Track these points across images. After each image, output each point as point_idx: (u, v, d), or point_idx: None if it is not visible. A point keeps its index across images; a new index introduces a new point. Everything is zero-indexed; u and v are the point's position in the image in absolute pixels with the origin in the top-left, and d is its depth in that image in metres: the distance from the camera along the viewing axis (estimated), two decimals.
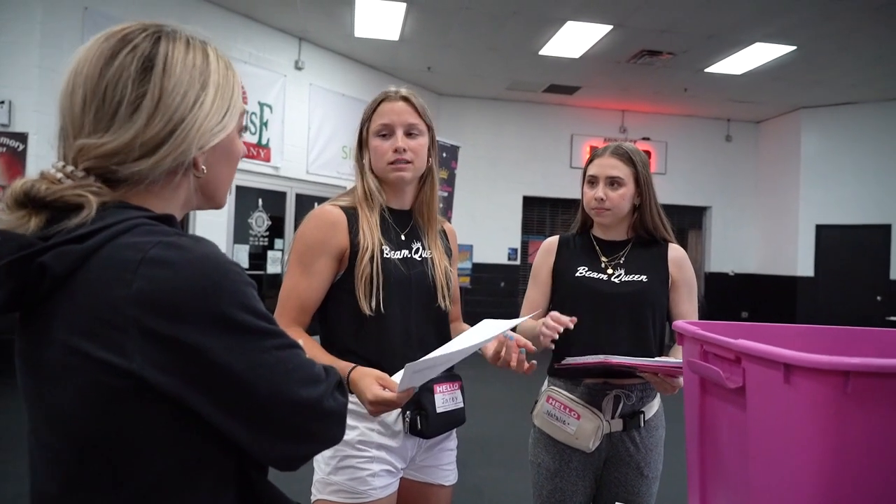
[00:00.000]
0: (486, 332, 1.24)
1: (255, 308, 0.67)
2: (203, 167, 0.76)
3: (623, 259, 1.71)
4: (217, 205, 0.84)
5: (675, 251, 1.73)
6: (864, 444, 0.75)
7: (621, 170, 1.67)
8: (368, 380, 1.21)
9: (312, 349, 1.33)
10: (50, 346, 0.66)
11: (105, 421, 0.65)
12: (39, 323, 0.66)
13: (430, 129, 1.48)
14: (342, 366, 1.27)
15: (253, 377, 0.66)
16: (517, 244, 9.61)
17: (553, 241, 1.81)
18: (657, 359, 1.50)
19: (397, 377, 1.19)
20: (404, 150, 1.41)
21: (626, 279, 1.67)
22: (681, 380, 1.51)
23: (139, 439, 0.65)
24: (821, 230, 8.89)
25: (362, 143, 1.48)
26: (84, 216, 0.66)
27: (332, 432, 0.76)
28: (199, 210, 0.83)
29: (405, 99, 1.44)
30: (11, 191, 0.67)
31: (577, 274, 1.70)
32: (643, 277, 1.67)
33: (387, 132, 1.43)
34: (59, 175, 0.69)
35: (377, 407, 1.19)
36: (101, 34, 0.74)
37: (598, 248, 1.74)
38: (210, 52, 0.77)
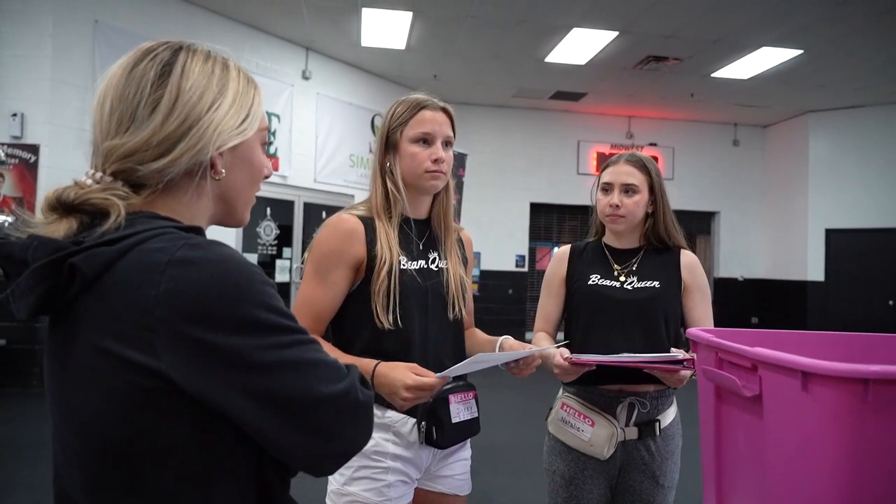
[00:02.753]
0: (521, 355, 1.37)
1: (277, 306, 0.69)
2: (222, 170, 0.77)
3: (636, 266, 1.71)
4: (238, 218, 0.84)
5: (686, 257, 1.73)
6: (884, 452, 0.74)
7: (636, 177, 1.68)
8: (402, 369, 1.22)
9: (332, 351, 1.33)
10: (77, 349, 0.67)
11: (129, 424, 0.65)
12: (67, 326, 0.68)
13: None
14: (365, 362, 1.27)
15: (279, 369, 0.67)
16: (525, 251, 9.60)
17: (565, 250, 1.82)
18: (653, 354, 1.50)
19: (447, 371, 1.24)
20: (442, 161, 1.41)
21: (639, 286, 1.67)
22: (687, 371, 1.51)
23: (160, 444, 0.66)
24: (830, 234, 8.83)
25: (389, 146, 1.44)
26: (113, 221, 0.68)
27: (359, 428, 0.74)
28: (221, 225, 0.84)
29: (445, 111, 1.44)
30: (46, 197, 0.71)
31: (590, 282, 1.71)
32: (656, 283, 1.67)
33: (427, 140, 1.41)
34: (89, 181, 0.72)
35: (414, 393, 1.19)
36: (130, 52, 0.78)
37: (609, 256, 1.75)
38: (231, 65, 0.80)
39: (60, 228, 0.68)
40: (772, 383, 0.86)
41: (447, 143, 1.44)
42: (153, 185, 0.73)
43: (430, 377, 1.20)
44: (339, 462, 0.75)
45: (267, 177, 0.86)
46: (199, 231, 0.74)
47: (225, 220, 0.83)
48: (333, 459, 0.75)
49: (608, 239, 1.78)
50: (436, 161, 1.40)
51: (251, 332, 0.66)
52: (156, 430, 0.66)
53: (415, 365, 1.24)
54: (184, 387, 0.65)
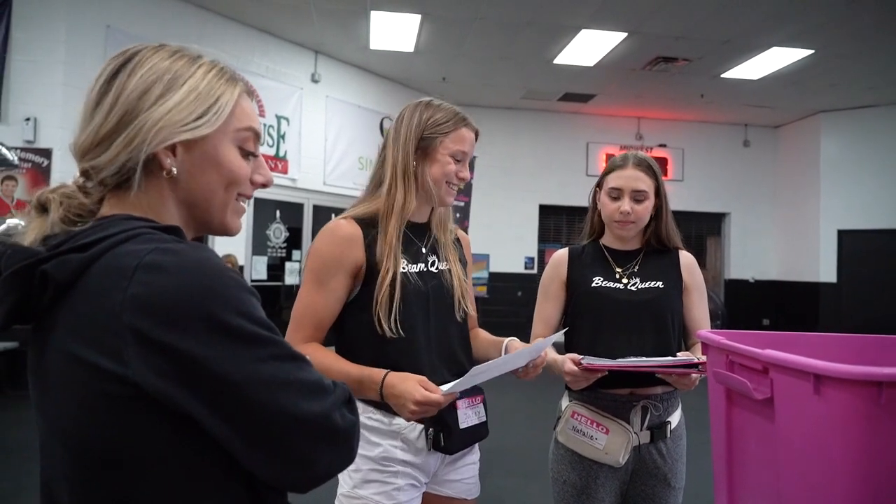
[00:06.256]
0: (526, 354, 1.35)
1: (253, 315, 0.65)
2: (173, 168, 0.73)
3: (637, 267, 1.70)
4: (218, 223, 0.79)
5: (685, 257, 1.74)
6: None
7: (646, 182, 1.65)
8: (412, 382, 1.22)
9: (338, 361, 1.32)
10: (52, 355, 0.66)
11: (106, 431, 0.64)
12: (44, 332, 0.67)
13: None
14: (374, 372, 1.26)
15: (248, 385, 0.63)
16: (534, 253, 9.58)
17: (562, 253, 1.79)
18: (667, 358, 1.50)
19: (445, 386, 1.23)
20: (465, 180, 1.47)
21: (643, 286, 1.66)
22: (696, 374, 1.50)
23: (140, 451, 0.64)
24: (843, 235, 8.75)
25: (421, 150, 1.40)
26: (85, 224, 0.70)
27: (337, 454, 0.70)
28: (205, 232, 0.80)
29: (476, 133, 1.48)
30: (35, 197, 0.74)
31: (594, 285, 1.68)
32: (659, 284, 1.66)
33: (461, 158, 1.44)
34: (70, 182, 0.75)
35: (421, 407, 1.19)
36: None
37: (610, 257, 1.73)
38: (202, 62, 0.76)
39: (34, 229, 0.70)
40: (783, 386, 0.85)
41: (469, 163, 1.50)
42: (109, 184, 0.73)
43: (438, 394, 1.19)
44: (312, 485, 0.70)
45: (262, 183, 0.81)
46: (177, 231, 0.71)
47: (204, 226, 0.79)
48: (305, 484, 0.70)
49: (606, 241, 1.76)
50: (461, 179, 1.45)
51: (222, 340, 0.62)
52: (132, 439, 0.64)
53: (424, 378, 1.23)
54: (152, 394, 0.62)
